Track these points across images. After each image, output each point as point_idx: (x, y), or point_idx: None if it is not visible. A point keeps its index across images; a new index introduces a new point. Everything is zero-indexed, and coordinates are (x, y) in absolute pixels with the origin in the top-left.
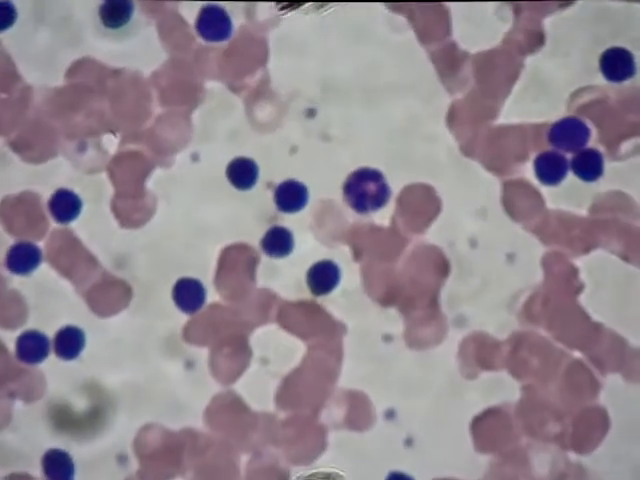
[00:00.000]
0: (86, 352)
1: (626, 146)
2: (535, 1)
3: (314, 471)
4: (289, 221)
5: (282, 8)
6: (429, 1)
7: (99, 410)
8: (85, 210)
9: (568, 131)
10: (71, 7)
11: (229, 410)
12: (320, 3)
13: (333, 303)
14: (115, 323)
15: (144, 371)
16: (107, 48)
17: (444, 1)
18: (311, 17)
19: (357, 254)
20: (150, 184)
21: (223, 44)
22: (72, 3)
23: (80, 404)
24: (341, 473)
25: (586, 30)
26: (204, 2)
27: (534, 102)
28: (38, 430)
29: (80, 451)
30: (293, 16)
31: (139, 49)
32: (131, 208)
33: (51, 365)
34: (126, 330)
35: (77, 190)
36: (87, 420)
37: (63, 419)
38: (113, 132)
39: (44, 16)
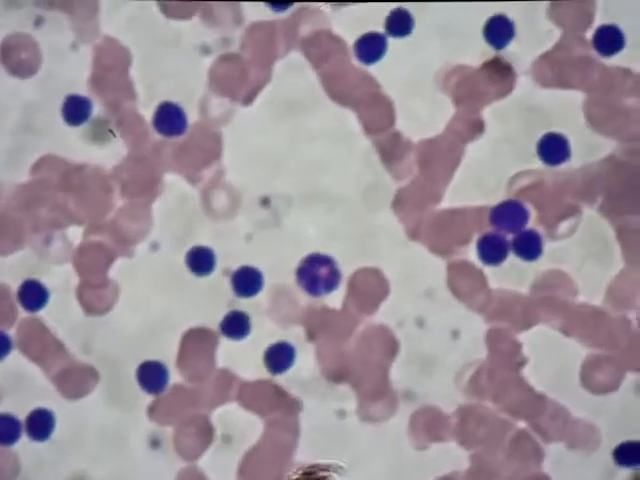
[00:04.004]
0: (55, 433)
1: (563, 226)
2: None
3: (314, 462)
4: (246, 305)
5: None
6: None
7: None
8: (52, 299)
9: (508, 213)
10: (34, 107)
11: None
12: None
13: (289, 382)
14: (82, 405)
15: (112, 448)
16: (70, 145)
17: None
18: (260, 113)
19: (311, 335)
20: (113, 273)
21: (179, 139)
22: (35, 104)
23: None
24: (342, 464)
25: (522, 118)
26: (160, 100)
27: (475, 187)
28: None
29: None
30: (245, 112)
31: (100, 145)
32: (95, 296)
33: (23, 446)
34: (93, 412)
35: (44, 280)
36: None
37: None
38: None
39: (8, 118)
